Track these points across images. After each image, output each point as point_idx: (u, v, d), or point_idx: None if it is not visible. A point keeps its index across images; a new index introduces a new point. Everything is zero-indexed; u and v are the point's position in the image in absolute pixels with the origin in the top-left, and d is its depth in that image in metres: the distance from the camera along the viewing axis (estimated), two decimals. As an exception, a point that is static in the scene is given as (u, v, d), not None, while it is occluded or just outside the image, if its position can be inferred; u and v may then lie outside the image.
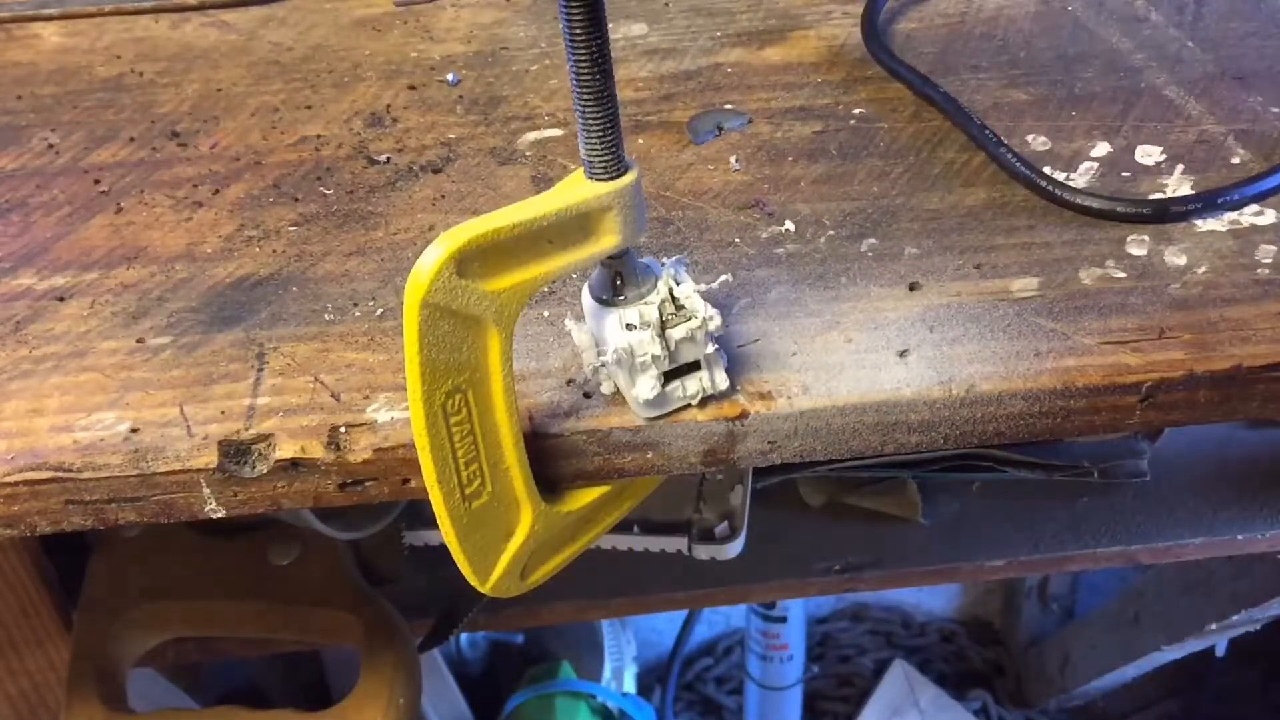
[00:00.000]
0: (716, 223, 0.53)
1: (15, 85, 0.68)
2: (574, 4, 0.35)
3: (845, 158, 0.57)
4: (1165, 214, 0.51)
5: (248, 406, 0.44)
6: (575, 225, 0.39)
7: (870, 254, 0.50)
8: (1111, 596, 1.30)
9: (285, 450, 0.42)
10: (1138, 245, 0.50)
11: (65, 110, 0.65)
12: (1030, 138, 0.57)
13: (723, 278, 0.45)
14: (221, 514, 0.43)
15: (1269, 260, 0.48)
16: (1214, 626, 1.05)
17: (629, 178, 0.38)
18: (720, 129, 0.60)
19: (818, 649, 1.53)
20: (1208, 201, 0.51)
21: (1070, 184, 0.53)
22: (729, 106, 0.62)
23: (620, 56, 0.67)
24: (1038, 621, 1.49)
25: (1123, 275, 0.48)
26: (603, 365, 0.42)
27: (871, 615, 1.56)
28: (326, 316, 0.49)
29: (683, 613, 1.41)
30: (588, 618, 0.85)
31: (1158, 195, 0.52)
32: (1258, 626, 1.06)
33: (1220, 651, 1.14)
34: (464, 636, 1.22)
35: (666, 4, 0.73)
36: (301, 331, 0.48)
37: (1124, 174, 0.54)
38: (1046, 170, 0.54)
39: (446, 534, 0.40)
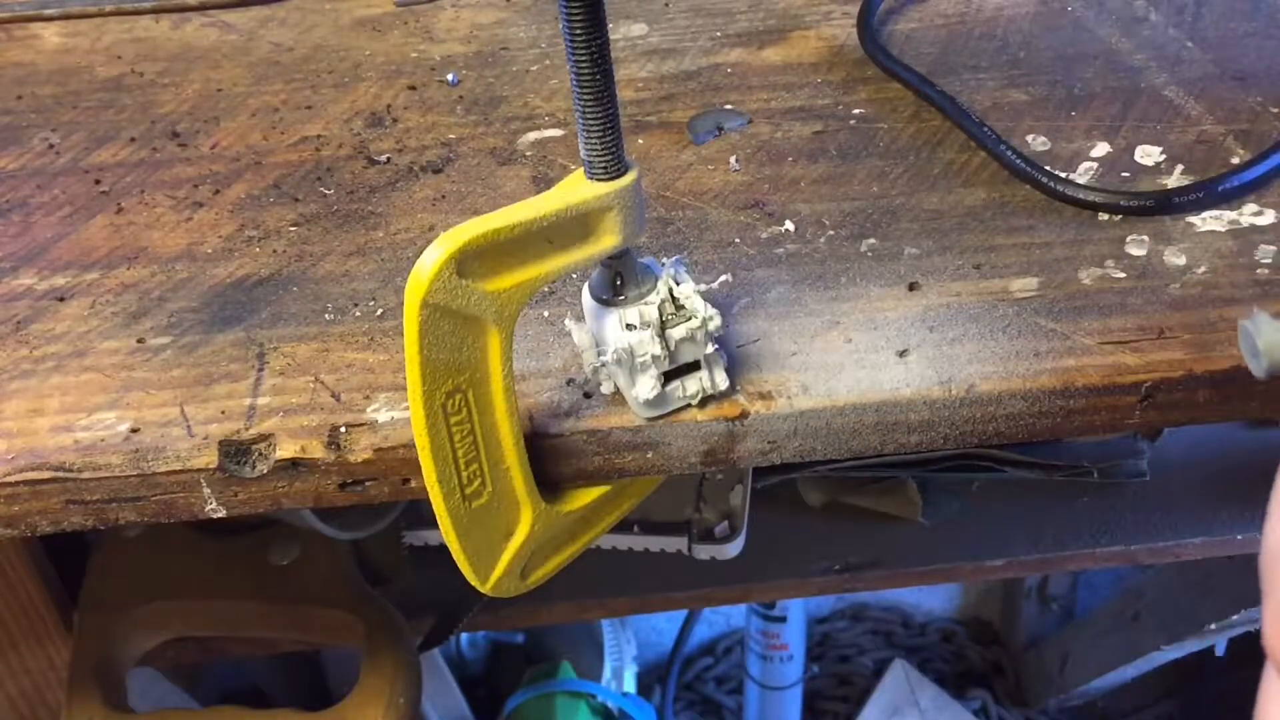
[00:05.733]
0: (716, 223, 0.53)
1: (15, 85, 0.68)
2: (574, 4, 0.35)
3: (845, 158, 0.57)
4: (1168, 205, 0.51)
5: (248, 406, 0.44)
6: (575, 225, 0.39)
7: (870, 254, 0.50)
8: (1111, 596, 1.30)
9: (285, 450, 0.42)
10: (1137, 245, 0.50)
11: (65, 110, 0.65)
12: (1030, 138, 0.57)
13: (723, 278, 0.45)
14: (222, 514, 0.43)
15: (1268, 260, 0.48)
16: (1214, 626, 1.05)
17: (629, 178, 0.38)
18: (720, 129, 0.60)
19: (818, 649, 1.53)
20: (1209, 191, 0.51)
21: (1072, 180, 0.53)
22: (729, 106, 0.62)
23: (620, 56, 0.67)
24: (1037, 621, 1.49)
25: (1122, 275, 0.48)
26: (603, 365, 0.42)
27: (871, 615, 1.56)
28: (326, 316, 0.49)
29: (683, 613, 1.41)
30: (588, 618, 0.85)
31: (1157, 189, 0.52)
32: (1258, 626, 1.05)
33: (1220, 651, 1.14)
34: (464, 636, 1.22)
35: (666, 4, 0.73)
36: (301, 331, 0.48)
37: (1124, 174, 0.54)
38: (1047, 169, 0.54)
39: (446, 534, 0.40)
